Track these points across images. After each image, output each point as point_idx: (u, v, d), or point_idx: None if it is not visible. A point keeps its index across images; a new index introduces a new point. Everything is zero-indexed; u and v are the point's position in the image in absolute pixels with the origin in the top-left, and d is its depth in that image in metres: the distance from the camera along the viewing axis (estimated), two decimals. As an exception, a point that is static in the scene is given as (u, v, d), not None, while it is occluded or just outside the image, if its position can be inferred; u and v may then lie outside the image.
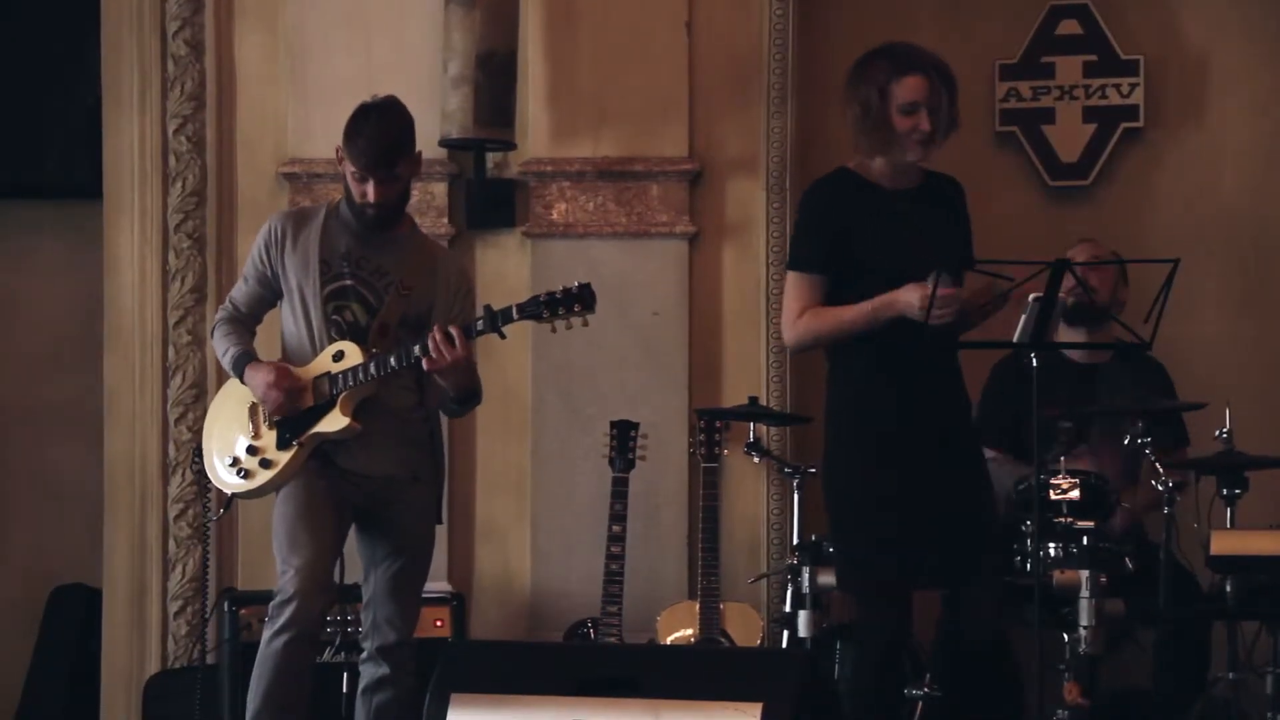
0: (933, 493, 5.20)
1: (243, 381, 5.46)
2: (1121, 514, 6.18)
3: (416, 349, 5.29)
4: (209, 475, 5.57)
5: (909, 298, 5.12)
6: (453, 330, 5.25)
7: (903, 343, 5.17)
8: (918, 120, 5.24)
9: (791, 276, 5.35)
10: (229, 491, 5.55)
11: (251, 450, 5.43)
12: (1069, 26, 7.38)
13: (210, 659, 6.63)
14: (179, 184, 7.06)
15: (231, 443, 5.48)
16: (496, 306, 5.34)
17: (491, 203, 7.00)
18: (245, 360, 5.46)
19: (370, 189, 5.38)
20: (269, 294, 5.55)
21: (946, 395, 5.32)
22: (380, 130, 5.39)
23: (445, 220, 6.95)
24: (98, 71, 7.14)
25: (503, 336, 5.38)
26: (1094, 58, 7.37)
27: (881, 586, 5.26)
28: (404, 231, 5.55)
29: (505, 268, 6.97)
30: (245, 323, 5.58)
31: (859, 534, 5.29)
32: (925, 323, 5.06)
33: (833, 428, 5.37)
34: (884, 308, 5.17)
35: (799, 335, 5.33)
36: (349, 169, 5.41)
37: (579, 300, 5.27)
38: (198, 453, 5.70)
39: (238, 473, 5.45)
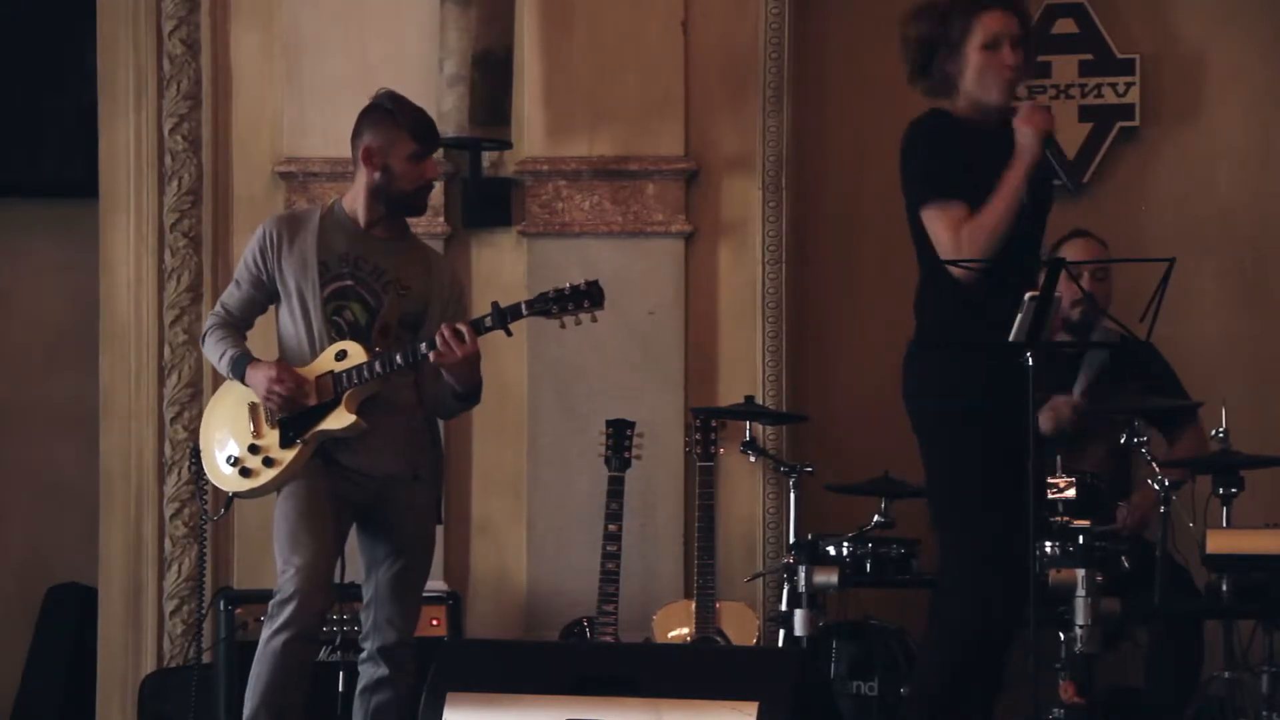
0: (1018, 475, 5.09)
1: (244, 383, 5.46)
2: (1129, 513, 6.19)
3: (423, 346, 5.29)
4: (209, 475, 5.56)
5: (1024, 138, 4.99)
6: (461, 327, 5.26)
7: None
8: (1002, 57, 5.06)
9: (930, 212, 5.05)
10: (230, 491, 5.52)
11: (254, 449, 5.42)
12: (1065, 25, 7.38)
13: (206, 658, 6.63)
14: (175, 183, 7.07)
15: (232, 443, 5.46)
16: (489, 304, 5.34)
17: (487, 202, 7.00)
18: (245, 361, 5.45)
19: (428, 166, 5.47)
20: (263, 298, 5.54)
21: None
22: (420, 109, 5.51)
23: (441, 219, 6.95)
24: (93, 70, 7.14)
25: (509, 334, 5.37)
26: (1090, 56, 7.37)
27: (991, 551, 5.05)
28: (400, 233, 5.55)
29: (501, 267, 6.97)
30: (238, 327, 5.57)
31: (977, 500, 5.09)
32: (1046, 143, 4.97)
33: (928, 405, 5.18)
34: (1018, 166, 5.00)
35: (977, 243, 5.01)
36: (403, 154, 5.42)
37: (588, 297, 5.28)
38: (195, 453, 5.69)
39: (240, 472, 5.44)
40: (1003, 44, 5.08)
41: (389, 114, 5.45)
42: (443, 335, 5.25)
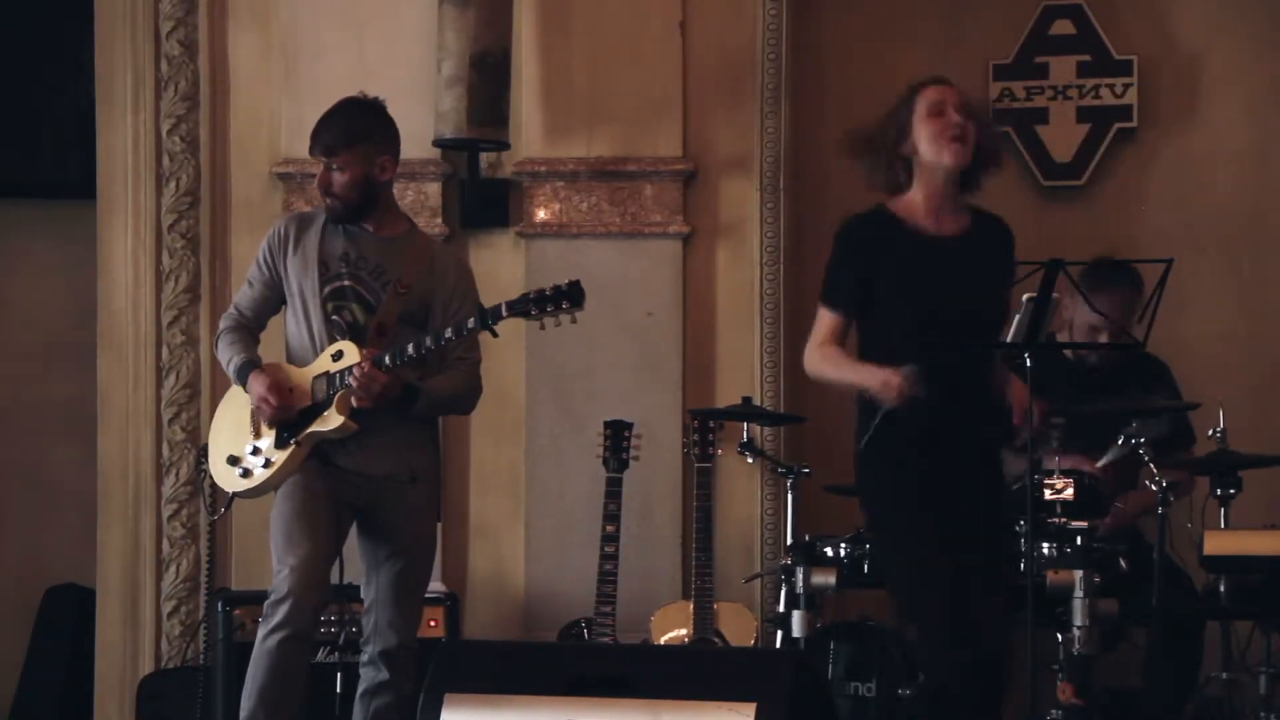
0: (959, 499, 5.15)
1: (246, 390, 5.49)
2: (1114, 514, 6.18)
3: (410, 347, 5.30)
4: (213, 476, 5.60)
5: (873, 380, 5.09)
6: (366, 365, 5.29)
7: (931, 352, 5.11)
8: (947, 118, 5.16)
9: (820, 308, 5.31)
10: (230, 490, 5.56)
11: (253, 450, 5.46)
12: (1063, 26, 7.39)
13: (204, 659, 6.63)
14: (173, 184, 7.07)
15: (234, 443, 5.51)
16: (487, 305, 5.35)
17: (485, 203, 7.00)
18: (248, 370, 5.49)
19: (319, 175, 5.46)
20: (274, 297, 5.57)
21: (975, 398, 5.25)
22: (332, 118, 5.49)
23: (439, 220, 6.95)
24: (91, 72, 7.14)
25: (495, 334, 5.38)
26: (1088, 58, 7.37)
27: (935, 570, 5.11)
28: (401, 231, 5.56)
29: (499, 268, 6.97)
30: (249, 328, 5.59)
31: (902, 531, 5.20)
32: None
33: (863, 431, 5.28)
34: (871, 380, 5.11)
35: (811, 369, 5.30)
36: None
37: (568, 297, 5.27)
38: (196, 454, 5.72)
39: (239, 472, 5.48)
40: (945, 109, 5.18)
41: None
42: (359, 379, 5.30)
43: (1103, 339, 6.21)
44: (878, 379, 5.08)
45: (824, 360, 5.25)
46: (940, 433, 5.13)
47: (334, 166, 5.43)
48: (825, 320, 5.27)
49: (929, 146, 5.18)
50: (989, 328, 5.21)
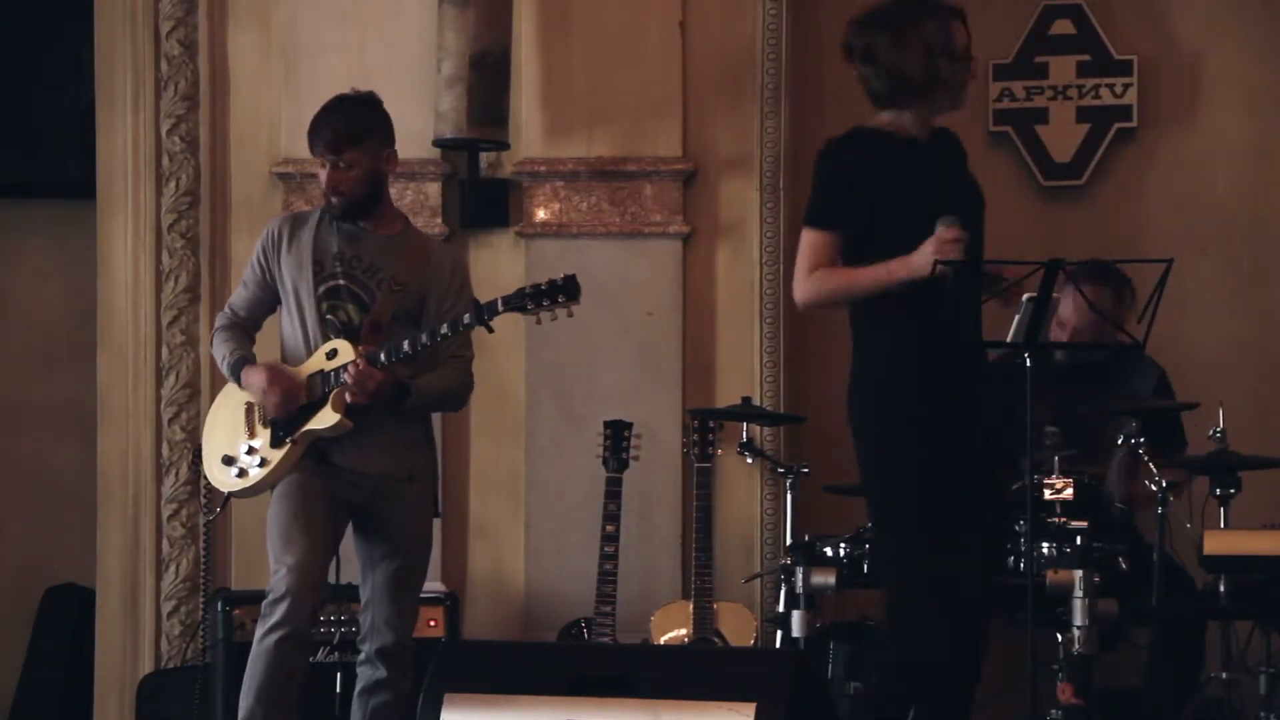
0: (959, 473, 5.10)
1: (240, 386, 5.48)
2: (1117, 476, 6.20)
3: (405, 344, 5.31)
4: (207, 476, 5.60)
5: (922, 256, 4.94)
6: (360, 362, 5.29)
7: (928, 319, 5.03)
8: (971, 65, 5.13)
9: (806, 234, 5.14)
10: (226, 490, 5.56)
11: (248, 450, 5.45)
12: (1062, 26, 7.39)
13: (204, 659, 6.63)
14: (172, 184, 7.06)
15: (229, 443, 5.51)
16: (483, 303, 5.36)
17: (485, 203, 7.00)
18: (242, 364, 5.49)
19: (323, 175, 5.43)
20: (269, 297, 5.57)
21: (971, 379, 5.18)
22: (332, 117, 5.46)
23: (439, 220, 6.95)
24: (91, 71, 7.14)
25: (490, 330, 5.38)
26: (1087, 57, 7.37)
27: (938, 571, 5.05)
28: (397, 229, 5.56)
29: (499, 268, 6.97)
30: (245, 328, 5.60)
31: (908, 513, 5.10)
32: (934, 274, 4.89)
33: (860, 406, 5.18)
34: (899, 268, 4.98)
35: (809, 293, 5.11)
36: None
37: (563, 291, 5.28)
38: (198, 454, 5.72)
39: (235, 472, 5.47)
40: (970, 55, 5.16)
41: (315, 115, 5.52)
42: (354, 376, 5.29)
43: (1063, 337, 6.24)
44: (916, 255, 4.93)
45: (828, 277, 5.08)
46: (956, 381, 5.06)
47: (341, 164, 5.42)
48: (817, 243, 5.10)
49: (948, 85, 5.12)
50: (978, 240, 5.16)
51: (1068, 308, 6.19)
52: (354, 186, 5.43)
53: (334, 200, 5.45)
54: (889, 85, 5.14)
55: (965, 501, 5.07)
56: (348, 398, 5.33)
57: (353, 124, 5.45)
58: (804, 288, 5.13)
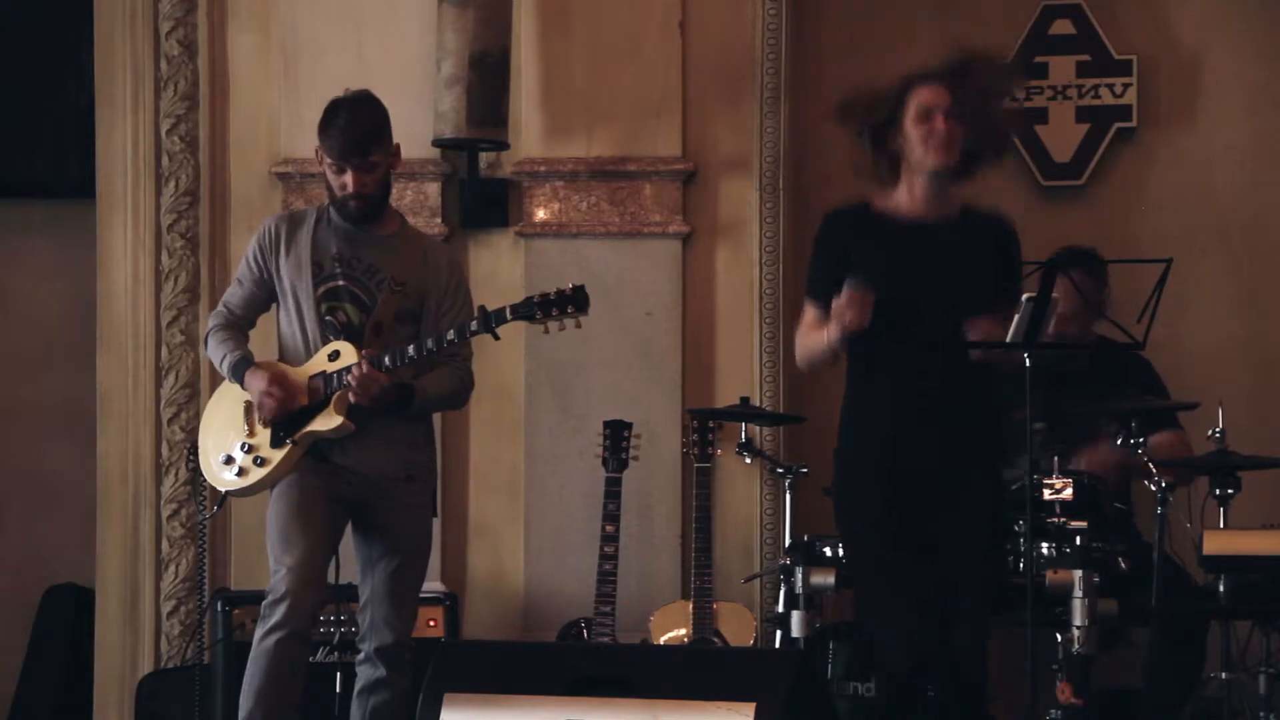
0: (929, 511, 5.18)
1: (243, 387, 5.47)
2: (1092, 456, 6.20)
3: (410, 349, 5.31)
4: (204, 474, 5.59)
5: (832, 318, 5.17)
6: (365, 365, 5.30)
7: (900, 344, 5.17)
8: (933, 124, 5.19)
9: (805, 303, 5.39)
10: (224, 489, 5.55)
11: (247, 449, 5.45)
12: (1062, 26, 7.39)
13: (203, 659, 6.63)
14: (172, 184, 7.06)
15: (227, 441, 5.50)
16: (490, 307, 5.35)
17: (484, 202, 7.00)
18: (244, 365, 5.48)
19: (349, 179, 5.41)
20: (264, 296, 5.56)
21: (952, 399, 5.27)
22: (351, 119, 5.43)
23: (438, 220, 6.95)
24: (90, 71, 7.14)
25: (496, 337, 5.40)
26: (1087, 57, 7.37)
27: (893, 583, 5.19)
28: (394, 229, 5.56)
29: (498, 267, 6.97)
30: (240, 326, 5.59)
31: (864, 537, 5.30)
32: (845, 334, 5.13)
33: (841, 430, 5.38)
34: (832, 329, 5.17)
35: (798, 357, 5.42)
36: (327, 163, 5.45)
37: (572, 302, 5.29)
38: (193, 451, 5.72)
39: (234, 471, 5.46)
40: (934, 115, 5.21)
41: (323, 119, 5.48)
42: (358, 379, 5.30)
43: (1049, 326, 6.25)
44: (833, 317, 5.16)
45: (801, 341, 5.36)
46: (910, 430, 5.18)
47: (365, 167, 5.41)
48: (807, 313, 5.36)
49: (915, 148, 5.23)
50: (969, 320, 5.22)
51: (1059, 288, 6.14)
52: (376, 187, 5.45)
53: (354, 204, 5.44)
54: (868, 161, 5.32)
55: (914, 548, 5.19)
56: (351, 399, 5.33)
57: (372, 126, 5.44)
58: (796, 353, 5.44)
